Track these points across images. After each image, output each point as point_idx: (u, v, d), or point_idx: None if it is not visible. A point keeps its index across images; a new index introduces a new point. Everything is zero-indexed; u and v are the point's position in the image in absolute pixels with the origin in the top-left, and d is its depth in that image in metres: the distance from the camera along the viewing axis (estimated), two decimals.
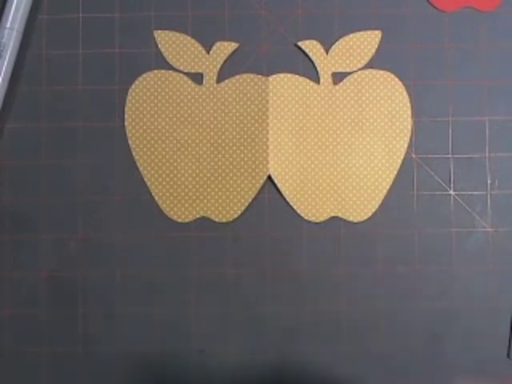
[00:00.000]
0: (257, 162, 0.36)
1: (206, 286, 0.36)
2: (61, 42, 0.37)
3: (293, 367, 0.35)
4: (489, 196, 0.36)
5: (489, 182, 0.36)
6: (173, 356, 0.36)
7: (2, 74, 0.35)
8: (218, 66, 0.36)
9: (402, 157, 0.36)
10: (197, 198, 0.36)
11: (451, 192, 0.36)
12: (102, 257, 0.36)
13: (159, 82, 0.36)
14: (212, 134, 0.36)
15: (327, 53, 0.36)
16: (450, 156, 0.36)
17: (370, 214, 0.36)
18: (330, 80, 0.36)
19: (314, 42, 0.36)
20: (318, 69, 0.36)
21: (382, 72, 0.36)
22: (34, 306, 0.36)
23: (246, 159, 0.36)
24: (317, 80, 0.36)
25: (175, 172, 0.36)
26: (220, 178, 0.36)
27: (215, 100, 0.36)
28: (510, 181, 0.36)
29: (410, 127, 0.36)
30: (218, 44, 0.36)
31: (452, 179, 0.36)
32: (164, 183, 0.36)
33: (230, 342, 0.35)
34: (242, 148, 0.36)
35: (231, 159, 0.36)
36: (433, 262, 0.36)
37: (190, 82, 0.36)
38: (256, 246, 0.36)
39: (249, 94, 0.36)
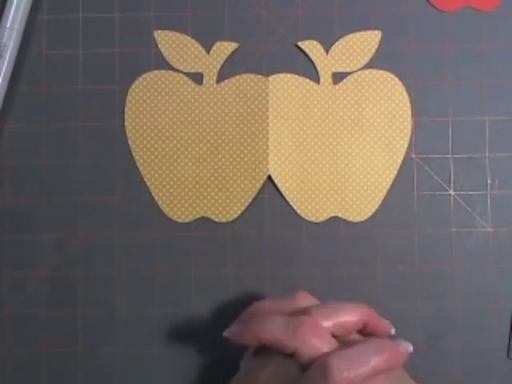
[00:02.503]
0: (257, 162, 0.36)
1: (206, 286, 0.36)
2: (61, 42, 0.37)
3: None
4: (489, 196, 0.36)
5: (489, 181, 0.36)
6: (173, 356, 0.36)
7: (2, 74, 0.35)
8: (218, 66, 0.36)
9: (402, 157, 0.36)
10: (197, 198, 0.36)
11: (451, 192, 0.36)
12: (102, 257, 0.36)
13: (159, 82, 0.36)
14: (212, 134, 0.36)
15: (327, 53, 0.36)
16: (449, 156, 0.36)
17: (370, 214, 0.36)
18: (330, 80, 0.36)
19: (314, 42, 0.36)
20: (318, 69, 0.36)
21: (381, 72, 0.36)
22: (34, 306, 0.36)
23: (245, 159, 0.36)
24: (317, 80, 0.36)
25: (175, 172, 0.36)
26: (220, 178, 0.36)
27: (215, 100, 0.36)
28: (510, 181, 0.36)
29: (410, 127, 0.36)
30: (217, 44, 0.36)
31: (452, 179, 0.36)
32: (164, 183, 0.36)
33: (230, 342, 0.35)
34: (242, 148, 0.36)
35: (231, 159, 0.36)
36: (433, 262, 0.36)
37: (190, 81, 0.36)
38: (256, 245, 0.36)
39: (249, 94, 0.36)
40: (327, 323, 0.26)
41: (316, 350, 0.25)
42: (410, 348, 0.26)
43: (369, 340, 0.26)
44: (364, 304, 0.28)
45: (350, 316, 0.27)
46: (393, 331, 0.29)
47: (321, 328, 0.26)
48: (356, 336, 0.28)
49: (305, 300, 0.28)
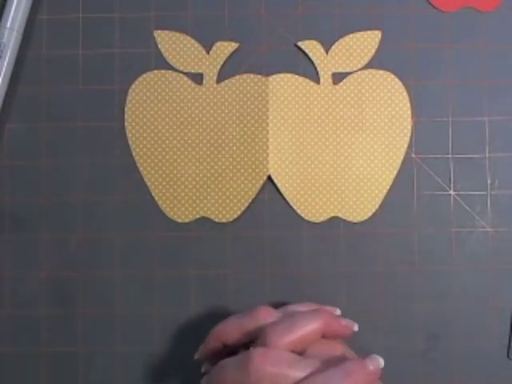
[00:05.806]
0: (257, 162, 0.36)
1: (206, 286, 0.36)
2: (61, 42, 0.37)
3: None
4: (489, 196, 0.36)
5: (489, 182, 0.36)
6: (173, 356, 0.36)
7: (2, 74, 0.35)
8: (218, 66, 0.36)
9: (402, 157, 0.36)
10: (197, 198, 0.36)
11: (451, 192, 0.36)
12: (102, 257, 0.36)
13: (159, 82, 0.36)
14: (212, 134, 0.36)
15: (327, 53, 0.36)
16: (449, 156, 0.36)
17: (369, 214, 0.36)
18: (330, 80, 0.36)
19: (314, 42, 0.36)
20: (318, 69, 0.36)
21: (381, 72, 0.36)
22: (34, 306, 0.36)
23: (245, 159, 0.36)
24: (317, 80, 0.36)
25: (175, 172, 0.36)
26: (220, 178, 0.36)
27: (215, 100, 0.36)
28: (510, 181, 0.36)
29: (409, 127, 0.36)
30: (218, 44, 0.36)
31: (452, 179, 0.36)
32: (164, 183, 0.36)
33: None
34: (241, 148, 0.36)
35: (231, 159, 0.36)
36: (433, 262, 0.36)
37: (190, 82, 0.36)
38: (256, 245, 0.36)
39: (249, 94, 0.36)
40: (284, 341, 0.26)
41: (277, 376, 0.24)
42: (382, 363, 0.26)
43: (339, 362, 0.26)
44: (322, 306, 0.29)
45: (307, 327, 0.26)
46: (355, 328, 0.29)
47: (272, 353, 0.25)
48: (321, 341, 0.27)
49: (267, 315, 0.28)
